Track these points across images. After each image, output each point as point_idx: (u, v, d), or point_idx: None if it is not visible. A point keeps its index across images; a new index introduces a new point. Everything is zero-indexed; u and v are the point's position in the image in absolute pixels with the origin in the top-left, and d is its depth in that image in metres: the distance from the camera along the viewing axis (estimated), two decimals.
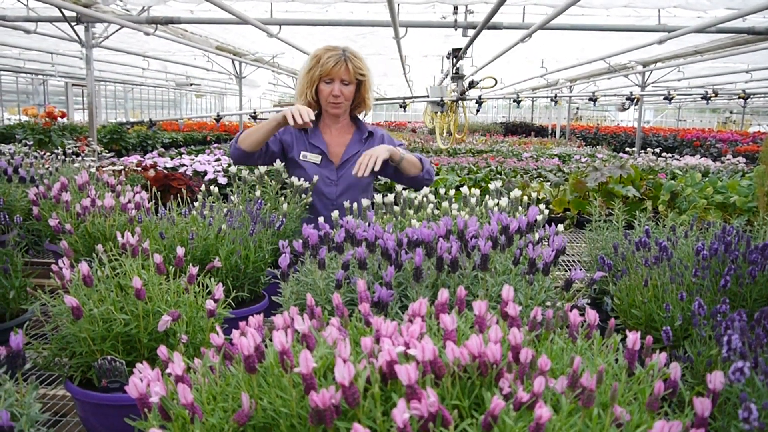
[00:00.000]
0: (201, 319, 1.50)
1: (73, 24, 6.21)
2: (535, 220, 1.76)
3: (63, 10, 5.87)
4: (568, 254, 3.83)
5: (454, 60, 6.75)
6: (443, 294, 1.17)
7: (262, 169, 2.61)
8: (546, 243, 1.72)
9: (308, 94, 2.63)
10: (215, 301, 1.48)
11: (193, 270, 1.54)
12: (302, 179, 2.53)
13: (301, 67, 2.73)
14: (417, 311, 1.13)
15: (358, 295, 1.25)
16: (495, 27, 5.89)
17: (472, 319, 1.20)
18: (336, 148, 2.73)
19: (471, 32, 6.14)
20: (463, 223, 1.63)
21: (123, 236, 1.63)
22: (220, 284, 1.50)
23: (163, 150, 8.07)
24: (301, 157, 2.68)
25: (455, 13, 6.48)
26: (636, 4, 6.28)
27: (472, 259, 1.55)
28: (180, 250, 1.64)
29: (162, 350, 1.05)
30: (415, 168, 2.63)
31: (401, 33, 6.27)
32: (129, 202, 2.22)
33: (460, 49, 6.53)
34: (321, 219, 1.92)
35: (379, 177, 2.92)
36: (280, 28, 6.59)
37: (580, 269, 1.47)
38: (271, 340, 0.98)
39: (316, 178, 2.58)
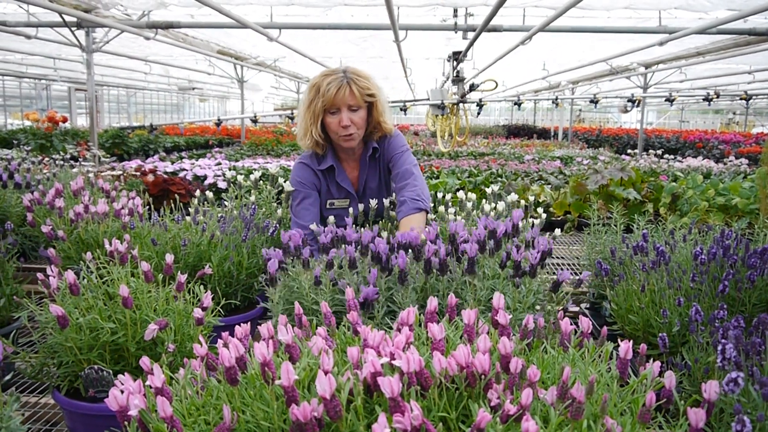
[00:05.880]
0: (190, 328, 1.48)
1: (73, 29, 6.22)
2: (524, 223, 1.74)
3: (63, 16, 5.87)
4: (566, 258, 3.80)
5: (455, 63, 6.73)
6: (432, 302, 1.15)
7: (257, 174, 2.59)
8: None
9: (314, 132, 2.22)
10: (203, 309, 1.46)
11: (182, 278, 1.52)
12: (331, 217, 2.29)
13: (300, 100, 2.32)
14: (405, 320, 1.11)
15: (347, 302, 1.23)
16: (495, 29, 5.86)
17: (462, 327, 1.18)
18: (355, 180, 2.46)
19: (471, 35, 6.12)
20: (455, 227, 1.61)
21: (111, 243, 1.61)
22: (209, 292, 1.48)
23: (164, 154, 8.07)
24: (328, 206, 2.40)
25: (455, 15, 6.46)
26: (637, 6, 6.25)
27: (462, 263, 1.53)
28: (169, 258, 1.62)
29: (144, 361, 1.03)
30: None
31: (401, 36, 6.25)
32: (123, 208, 2.21)
33: (461, 52, 6.51)
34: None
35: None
36: (280, 32, 6.58)
37: (569, 271, 1.45)
38: None
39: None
